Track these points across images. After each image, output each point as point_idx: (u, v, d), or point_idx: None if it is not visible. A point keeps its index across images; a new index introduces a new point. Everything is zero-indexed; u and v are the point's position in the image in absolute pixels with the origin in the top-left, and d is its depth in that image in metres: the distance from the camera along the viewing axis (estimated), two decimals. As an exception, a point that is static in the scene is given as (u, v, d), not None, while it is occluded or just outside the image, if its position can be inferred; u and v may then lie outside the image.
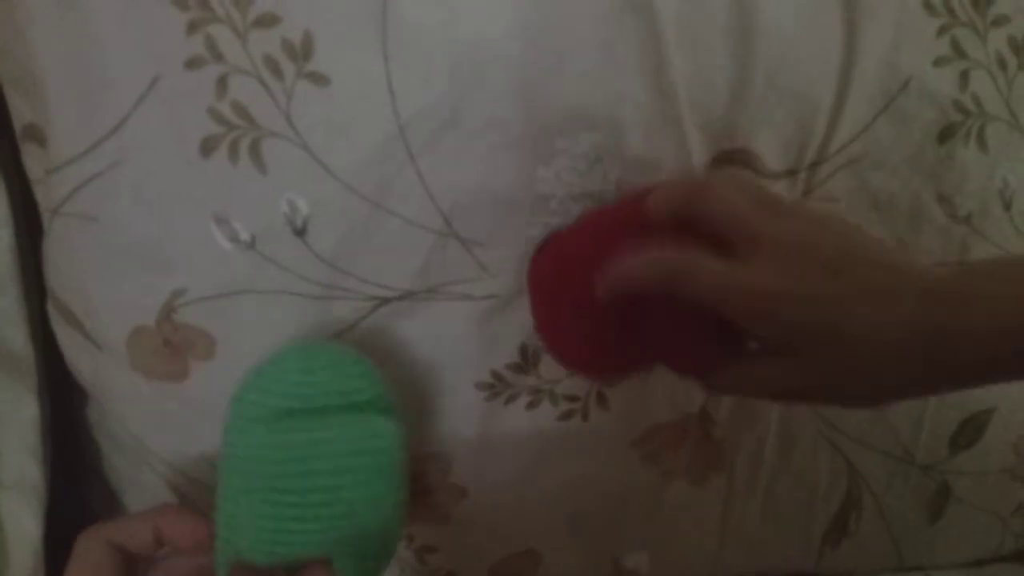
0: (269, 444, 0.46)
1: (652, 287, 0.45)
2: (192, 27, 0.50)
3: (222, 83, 0.50)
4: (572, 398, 0.61)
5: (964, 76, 0.58)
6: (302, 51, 0.50)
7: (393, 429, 0.47)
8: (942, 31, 0.57)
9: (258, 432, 0.46)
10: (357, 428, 0.47)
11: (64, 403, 0.64)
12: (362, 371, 0.50)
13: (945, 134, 0.59)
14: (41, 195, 0.56)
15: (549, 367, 0.59)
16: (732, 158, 0.56)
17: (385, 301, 0.56)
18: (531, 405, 0.60)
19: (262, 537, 0.45)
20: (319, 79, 0.51)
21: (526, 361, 0.59)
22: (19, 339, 0.59)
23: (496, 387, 0.59)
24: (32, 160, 0.56)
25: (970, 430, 0.66)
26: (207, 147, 0.51)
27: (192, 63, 0.50)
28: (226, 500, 0.46)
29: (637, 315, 0.48)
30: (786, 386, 0.45)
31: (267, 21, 0.50)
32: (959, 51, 0.57)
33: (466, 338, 0.58)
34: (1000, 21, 0.58)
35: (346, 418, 0.47)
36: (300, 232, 0.53)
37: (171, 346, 0.56)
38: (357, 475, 0.46)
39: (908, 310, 0.41)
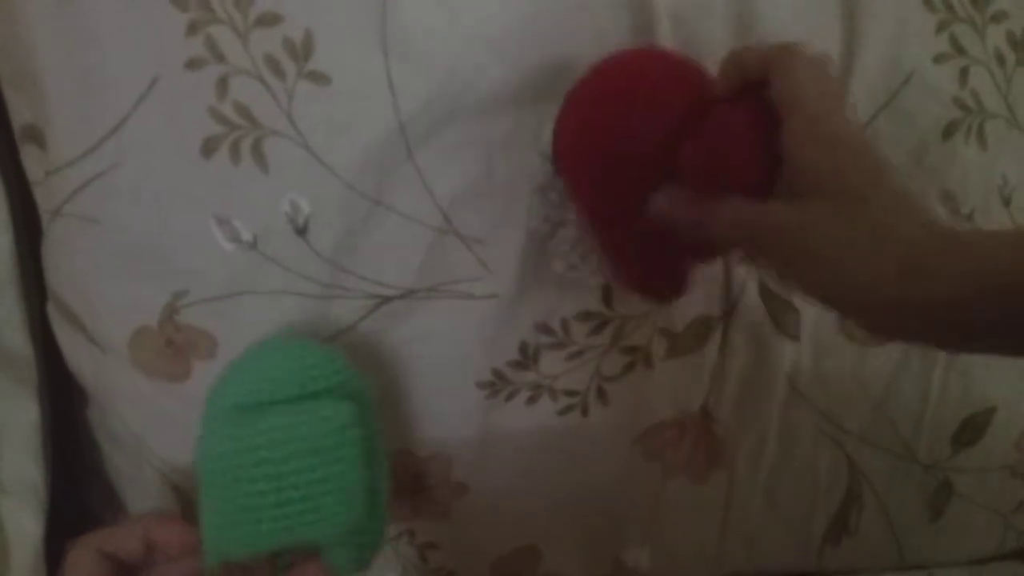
0: (230, 441, 0.46)
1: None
2: (192, 27, 0.50)
3: (223, 83, 0.51)
4: (571, 393, 0.61)
5: (964, 73, 0.58)
6: (303, 50, 0.50)
7: (343, 410, 0.47)
8: (941, 27, 0.57)
9: (219, 430, 0.47)
10: (305, 415, 0.46)
11: (64, 403, 0.64)
12: (321, 360, 0.49)
13: (948, 131, 0.59)
14: (41, 197, 0.56)
15: (549, 362, 0.59)
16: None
17: (386, 300, 0.56)
18: (531, 401, 0.60)
19: (238, 533, 0.45)
20: (320, 78, 0.51)
21: (526, 358, 0.59)
22: (19, 341, 0.59)
23: (496, 385, 0.59)
24: (31, 161, 0.56)
25: (972, 428, 0.66)
26: (208, 147, 0.51)
27: (192, 63, 0.50)
28: (203, 502, 0.46)
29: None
30: (784, 229, 0.42)
31: (268, 20, 0.50)
32: (958, 47, 0.58)
33: (467, 338, 0.58)
34: (999, 17, 0.58)
35: (297, 407, 0.47)
36: (302, 231, 0.53)
37: (173, 346, 0.56)
38: (313, 460, 0.45)
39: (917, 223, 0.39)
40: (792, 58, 0.43)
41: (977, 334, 0.39)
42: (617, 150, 0.47)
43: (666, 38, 0.54)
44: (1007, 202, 0.61)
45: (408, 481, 0.62)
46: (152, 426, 0.60)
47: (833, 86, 0.43)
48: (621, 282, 0.55)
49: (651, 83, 0.47)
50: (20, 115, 0.55)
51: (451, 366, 0.59)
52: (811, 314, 0.61)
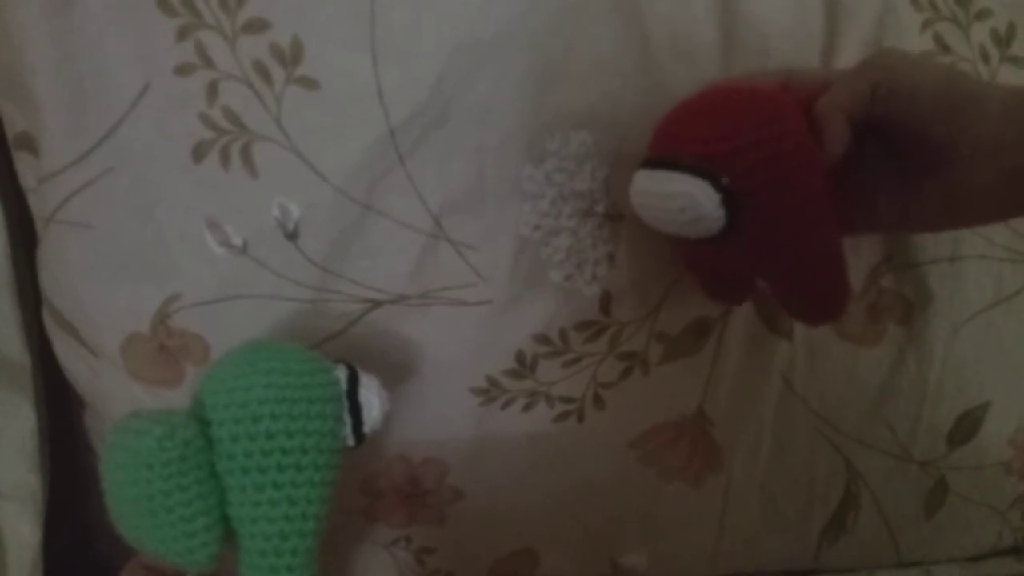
0: None
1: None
2: (182, 33, 0.50)
3: (212, 89, 0.51)
4: (567, 399, 0.61)
5: (949, 71, 0.58)
6: (291, 56, 0.51)
7: (149, 444, 0.43)
8: (925, 26, 0.57)
9: None
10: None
11: (62, 410, 0.65)
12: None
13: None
14: (35, 203, 0.56)
15: (546, 370, 0.59)
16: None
17: (377, 304, 0.56)
18: (527, 407, 0.60)
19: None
20: (309, 83, 0.51)
21: (523, 367, 0.59)
22: (16, 348, 0.60)
23: (491, 392, 0.59)
24: (25, 169, 0.56)
25: (967, 424, 0.66)
26: (199, 152, 0.52)
27: (182, 69, 0.51)
28: None
29: None
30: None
31: (256, 27, 0.50)
32: (943, 45, 0.58)
33: (461, 344, 0.58)
34: (983, 15, 0.58)
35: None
36: (292, 236, 0.54)
37: (166, 352, 0.56)
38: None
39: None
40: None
41: None
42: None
43: (655, 39, 0.54)
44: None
45: (404, 486, 0.62)
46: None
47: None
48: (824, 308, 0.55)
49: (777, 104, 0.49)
50: (13, 123, 0.55)
51: (445, 372, 0.59)
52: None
